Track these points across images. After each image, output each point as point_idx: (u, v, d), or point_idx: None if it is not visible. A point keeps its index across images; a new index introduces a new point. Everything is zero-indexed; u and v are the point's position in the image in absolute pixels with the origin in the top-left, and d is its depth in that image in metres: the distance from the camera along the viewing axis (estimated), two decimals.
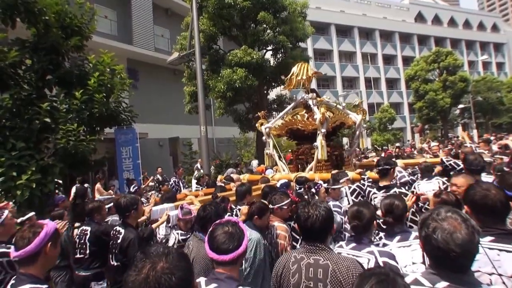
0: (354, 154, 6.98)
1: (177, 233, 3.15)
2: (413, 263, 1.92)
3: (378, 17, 40.33)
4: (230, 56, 11.26)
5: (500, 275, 1.49)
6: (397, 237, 2.07)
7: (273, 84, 13.20)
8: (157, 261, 0.99)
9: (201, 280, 1.53)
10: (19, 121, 5.22)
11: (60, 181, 5.79)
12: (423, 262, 1.70)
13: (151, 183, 9.23)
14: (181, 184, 8.71)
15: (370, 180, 3.97)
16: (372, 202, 3.22)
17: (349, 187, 3.73)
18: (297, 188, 4.23)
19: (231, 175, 6.83)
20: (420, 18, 45.05)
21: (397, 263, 1.89)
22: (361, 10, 39.95)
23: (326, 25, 36.62)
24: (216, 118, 16.40)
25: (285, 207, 2.85)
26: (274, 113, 13.15)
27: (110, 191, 8.32)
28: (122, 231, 2.87)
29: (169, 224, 3.41)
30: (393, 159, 4.82)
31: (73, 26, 5.91)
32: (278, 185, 3.88)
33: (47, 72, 5.68)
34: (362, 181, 3.83)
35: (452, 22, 47.07)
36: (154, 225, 3.41)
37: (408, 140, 27.86)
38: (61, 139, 5.21)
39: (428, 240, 1.20)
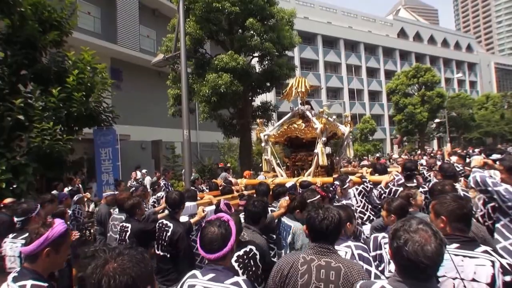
0: (342, 163, 7.55)
1: None
2: None
3: (363, 30, 41.69)
4: (216, 60, 11.21)
5: (462, 279, 1.61)
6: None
7: (258, 90, 13.21)
8: (109, 261, 1.00)
9: (196, 272, 1.65)
10: None
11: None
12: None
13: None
14: (170, 188, 8.51)
15: (371, 183, 4.41)
16: None
17: (356, 189, 4.27)
18: (301, 191, 4.56)
19: (230, 178, 7.18)
20: (402, 34, 47.01)
21: (369, 255, 2.11)
22: (347, 23, 41.17)
23: (313, 35, 37.44)
24: (200, 123, 16.25)
25: (317, 201, 3.11)
26: (258, 120, 13.17)
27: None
28: (171, 225, 3.05)
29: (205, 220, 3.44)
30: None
31: (52, 20, 5.73)
32: (287, 186, 4.31)
33: (21, 67, 5.47)
34: (365, 184, 4.36)
35: (431, 40, 49.42)
36: (192, 220, 3.43)
37: (387, 153, 28.75)
38: (36, 138, 5.05)
39: (399, 252, 1.23)
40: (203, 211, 3.45)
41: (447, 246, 1.64)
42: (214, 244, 1.62)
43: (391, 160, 13.67)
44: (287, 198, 3.68)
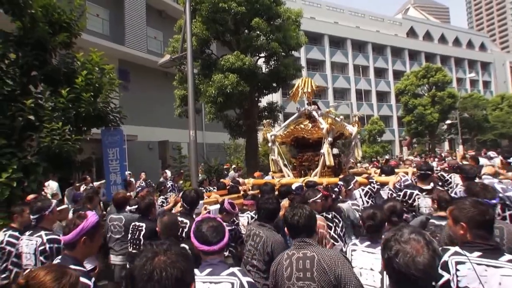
0: (352, 163, 7.55)
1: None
2: (371, 270, 2.08)
3: (371, 30, 41.27)
4: (222, 61, 11.25)
5: None
6: (367, 243, 2.21)
7: (264, 91, 13.20)
8: (158, 254, 1.04)
9: (195, 269, 1.72)
10: (1, 117, 5.07)
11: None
12: (381, 272, 1.99)
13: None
14: (176, 190, 8.53)
15: (378, 183, 4.43)
16: (415, 203, 3.62)
17: (362, 189, 4.28)
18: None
19: (237, 179, 7.32)
20: (412, 33, 46.35)
21: None
22: (354, 23, 40.83)
23: (320, 35, 37.24)
24: (206, 123, 16.34)
25: (319, 200, 3.19)
26: (264, 120, 13.17)
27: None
28: (187, 221, 3.22)
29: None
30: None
31: (62, 22, 5.79)
32: (293, 187, 4.33)
33: (32, 68, 5.55)
34: (372, 184, 4.38)
35: (442, 39, 48.55)
36: (196, 219, 3.48)
37: (397, 155, 28.32)
38: (45, 138, 5.10)
39: (390, 263, 1.18)
40: (206, 209, 3.54)
41: (468, 255, 1.61)
42: (216, 236, 1.77)
43: (401, 162, 13.48)
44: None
